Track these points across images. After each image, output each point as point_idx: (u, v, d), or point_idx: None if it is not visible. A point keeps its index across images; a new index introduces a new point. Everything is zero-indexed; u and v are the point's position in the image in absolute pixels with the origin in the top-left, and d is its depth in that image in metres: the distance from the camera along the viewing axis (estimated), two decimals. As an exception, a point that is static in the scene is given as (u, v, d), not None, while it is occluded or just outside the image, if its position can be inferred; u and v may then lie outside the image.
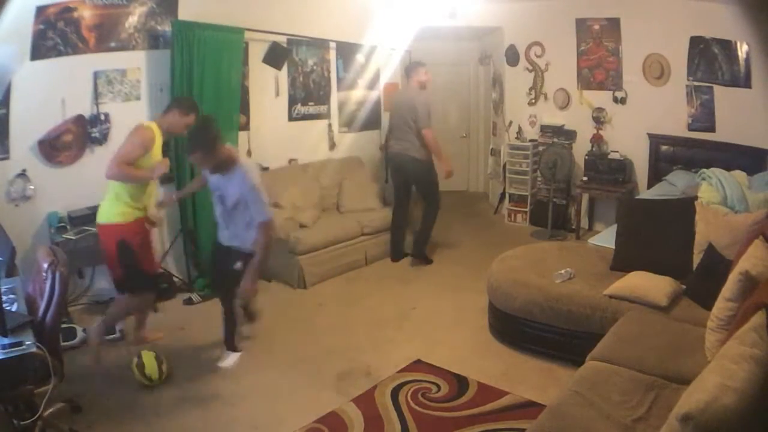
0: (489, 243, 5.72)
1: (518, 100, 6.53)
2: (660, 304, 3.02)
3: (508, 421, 2.84)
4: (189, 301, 4.41)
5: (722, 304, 2.40)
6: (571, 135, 6.12)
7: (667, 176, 5.13)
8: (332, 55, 6.02)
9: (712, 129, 5.14)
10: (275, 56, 5.36)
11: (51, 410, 2.68)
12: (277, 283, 4.82)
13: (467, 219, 6.81)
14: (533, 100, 6.43)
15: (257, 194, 3.11)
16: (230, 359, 3.43)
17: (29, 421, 2.41)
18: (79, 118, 4.12)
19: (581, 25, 5.86)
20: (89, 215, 4.04)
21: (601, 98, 5.88)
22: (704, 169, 4.34)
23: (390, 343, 3.77)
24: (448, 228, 6.11)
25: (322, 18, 5.72)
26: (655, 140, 5.53)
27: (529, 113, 6.47)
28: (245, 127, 5.18)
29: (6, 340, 2.27)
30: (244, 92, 5.11)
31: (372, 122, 6.54)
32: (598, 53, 5.82)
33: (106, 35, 4.18)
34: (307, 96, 5.81)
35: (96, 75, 4.17)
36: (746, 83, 4.80)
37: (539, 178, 6.31)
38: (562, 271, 3.49)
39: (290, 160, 5.69)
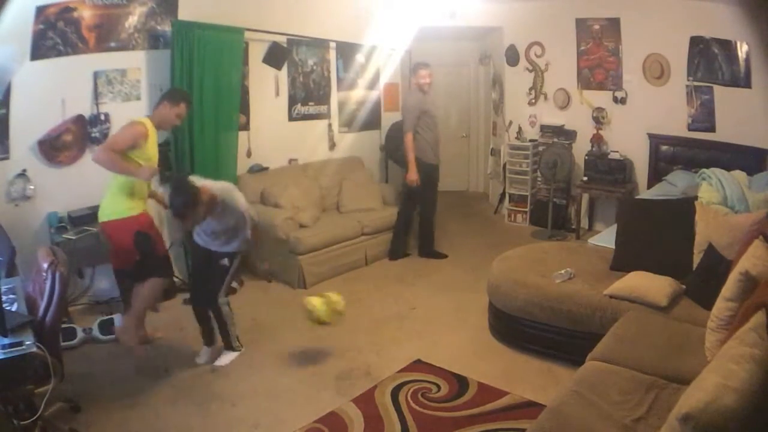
0: (489, 243, 5.72)
1: (518, 100, 6.53)
2: (660, 304, 3.01)
3: (508, 421, 2.84)
4: (189, 301, 4.40)
5: (722, 304, 2.40)
6: (571, 135, 6.12)
7: (667, 176, 5.14)
8: (332, 55, 6.02)
9: (712, 129, 5.14)
10: (275, 56, 5.36)
11: (51, 410, 2.68)
12: (277, 283, 4.82)
13: (467, 219, 6.81)
14: (533, 100, 6.43)
15: (248, 215, 3.31)
16: (226, 357, 3.49)
17: (29, 421, 2.41)
18: (79, 118, 4.12)
19: (581, 25, 5.86)
20: (89, 215, 4.04)
21: (601, 98, 5.88)
22: (704, 169, 4.35)
23: (390, 343, 3.77)
24: (448, 228, 6.11)
25: (322, 18, 5.73)
26: (655, 140, 5.53)
27: (529, 113, 6.47)
28: (245, 127, 5.18)
29: (6, 340, 2.27)
30: (244, 92, 5.11)
31: (372, 122, 6.54)
32: (598, 53, 5.82)
33: (106, 35, 4.18)
34: (307, 96, 5.81)
35: (96, 75, 4.17)
36: (746, 83, 4.81)
37: (539, 178, 6.31)
38: (562, 271, 3.49)
39: (290, 160, 5.69)
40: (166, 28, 4.45)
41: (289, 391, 3.21)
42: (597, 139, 5.91)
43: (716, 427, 1.45)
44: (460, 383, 3.22)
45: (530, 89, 6.42)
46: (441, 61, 6.93)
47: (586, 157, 5.83)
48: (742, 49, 4.77)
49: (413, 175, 5.12)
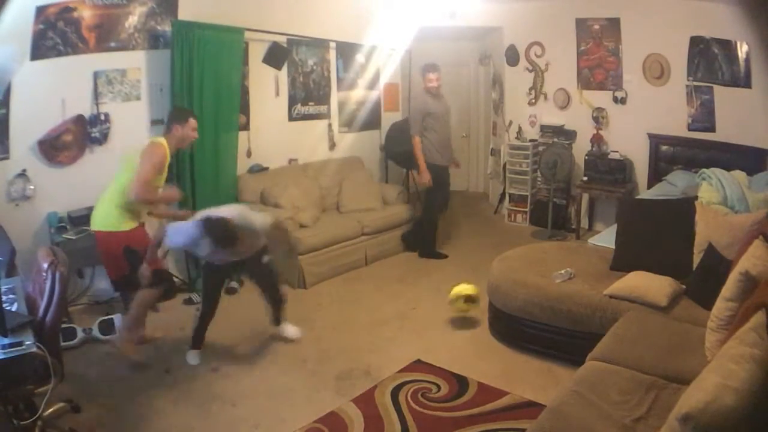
0: (489, 243, 5.72)
1: (518, 100, 6.53)
2: (660, 304, 3.01)
3: (508, 421, 2.84)
4: (189, 301, 4.41)
5: (722, 304, 2.40)
6: (571, 135, 6.12)
7: (667, 176, 5.14)
8: (332, 55, 6.02)
9: (712, 129, 5.14)
10: (275, 56, 5.36)
11: (51, 410, 2.68)
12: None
13: (467, 219, 6.80)
14: (533, 100, 6.43)
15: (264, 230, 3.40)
16: (293, 329, 3.75)
17: (29, 421, 2.41)
18: (79, 118, 4.12)
19: (581, 25, 5.86)
20: (89, 215, 4.02)
21: (601, 98, 5.88)
22: (704, 169, 4.35)
23: (390, 343, 3.77)
24: (448, 228, 6.11)
25: (322, 18, 5.73)
26: (655, 140, 5.53)
27: (529, 113, 6.47)
28: (245, 127, 5.18)
29: (6, 340, 2.27)
30: (244, 92, 5.11)
31: (372, 122, 6.54)
32: (598, 53, 5.82)
33: (106, 35, 4.18)
34: (307, 96, 5.81)
35: (96, 75, 4.17)
36: (746, 83, 4.81)
37: (539, 178, 6.31)
38: (562, 271, 3.49)
39: (290, 160, 5.69)
40: (166, 28, 4.45)
41: (289, 391, 3.21)
42: (597, 139, 5.91)
43: (716, 427, 1.45)
44: (460, 383, 3.22)
45: (530, 89, 6.42)
46: (441, 61, 6.85)
47: (586, 157, 5.83)
48: (742, 49, 4.77)
49: (424, 177, 5.16)
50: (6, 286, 2.80)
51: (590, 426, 2.07)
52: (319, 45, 5.82)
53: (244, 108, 5.13)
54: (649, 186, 5.42)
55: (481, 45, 7.72)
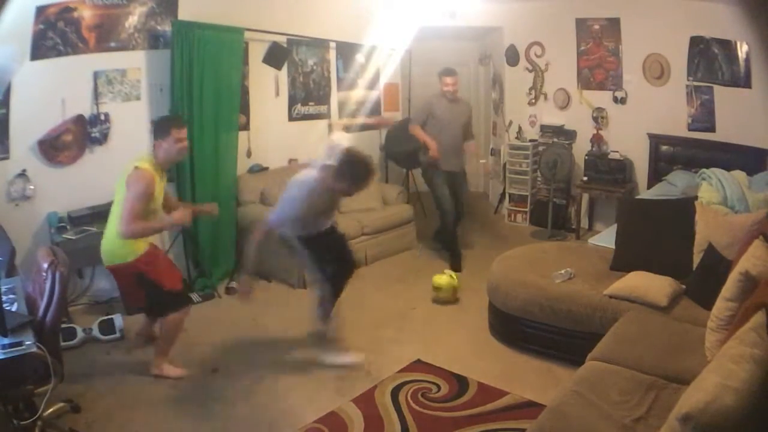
0: (489, 243, 5.72)
1: (518, 100, 6.53)
2: (660, 304, 3.02)
3: (508, 421, 2.84)
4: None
5: (722, 304, 2.40)
6: (571, 135, 6.12)
7: (667, 176, 5.13)
8: (332, 55, 6.02)
9: (712, 129, 5.14)
10: (275, 56, 5.36)
11: (51, 410, 2.69)
12: (277, 283, 4.82)
13: (467, 219, 6.79)
14: (533, 100, 6.43)
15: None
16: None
17: (29, 421, 2.41)
18: (79, 118, 4.12)
19: (581, 25, 5.86)
20: (89, 215, 4.04)
21: (601, 98, 5.88)
22: (704, 169, 4.35)
23: (390, 343, 3.77)
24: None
25: (322, 18, 5.72)
26: (655, 140, 5.53)
27: (529, 113, 6.46)
28: (245, 127, 5.18)
29: (6, 340, 2.27)
30: (244, 92, 5.11)
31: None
32: (598, 53, 5.82)
33: (106, 35, 4.17)
34: (307, 96, 5.81)
35: (96, 75, 4.17)
36: (746, 83, 4.80)
37: (539, 178, 6.31)
38: (562, 271, 3.49)
39: (290, 160, 5.69)
40: (166, 28, 4.45)
41: (289, 391, 3.21)
42: (597, 139, 5.91)
43: (716, 427, 1.45)
44: (460, 383, 3.22)
45: (530, 89, 6.42)
46: (441, 61, 6.90)
47: (586, 157, 5.83)
48: (742, 49, 4.77)
49: (434, 151, 4.92)
50: (6, 286, 2.79)
51: (590, 426, 2.07)
52: (319, 45, 5.82)
53: (244, 108, 5.13)
54: (649, 186, 5.42)
55: (481, 45, 7.71)
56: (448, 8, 6.23)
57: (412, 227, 5.71)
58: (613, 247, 3.71)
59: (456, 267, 5.01)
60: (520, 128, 6.51)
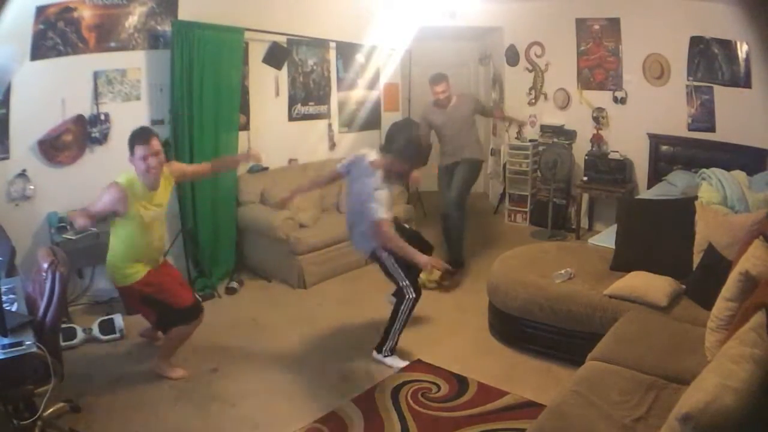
0: (489, 243, 5.72)
1: (518, 100, 6.53)
2: (660, 304, 3.02)
3: (508, 421, 2.84)
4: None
5: (722, 304, 2.40)
6: (571, 135, 6.12)
7: (667, 176, 5.13)
8: (332, 55, 6.01)
9: (712, 129, 5.14)
10: (275, 56, 5.35)
11: (51, 410, 2.68)
12: (277, 283, 4.82)
13: (467, 219, 6.78)
14: (533, 100, 6.43)
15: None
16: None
17: (29, 421, 2.41)
18: (79, 118, 4.12)
19: (581, 25, 5.86)
20: (89, 215, 4.04)
21: (601, 98, 5.88)
22: (704, 169, 4.34)
23: (390, 343, 3.76)
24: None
25: (322, 18, 5.72)
26: (655, 140, 5.53)
27: (529, 113, 6.47)
28: (245, 127, 5.18)
29: (6, 340, 2.27)
30: (244, 92, 5.11)
31: (372, 122, 6.54)
32: (598, 53, 5.82)
33: (106, 35, 4.18)
34: (307, 96, 5.81)
35: (96, 75, 4.17)
36: (746, 83, 4.80)
37: (539, 178, 6.31)
38: (562, 271, 3.49)
39: (290, 160, 5.69)
40: (166, 28, 4.45)
41: (289, 391, 3.21)
42: (597, 139, 5.91)
43: (716, 427, 1.45)
44: (460, 383, 3.22)
45: (530, 89, 6.42)
46: (441, 61, 6.92)
47: (586, 157, 5.83)
48: (742, 49, 4.77)
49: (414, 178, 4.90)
50: (6, 286, 2.80)
51: (590, 426, 2.07)
52: (319, 45, 5.82)
53: (244, 108, 5.13)
54: (649, 186, 5.42)
55: (481, 45, 7.72)
56: (448, 8, 6.23)
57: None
58: (613, 247, 3.71)
59: (451, 262, 4.77)
60: (520, 128, 6.51)
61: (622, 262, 3.52)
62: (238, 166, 4.54)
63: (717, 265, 2.93)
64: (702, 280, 3.05)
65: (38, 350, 2.27)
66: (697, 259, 3.24)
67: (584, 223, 6.10)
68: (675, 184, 4.81)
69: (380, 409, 2.99)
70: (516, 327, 3.56)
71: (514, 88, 6.57)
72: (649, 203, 4.05)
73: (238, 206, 5.02)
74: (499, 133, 7.10)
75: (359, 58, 6.24)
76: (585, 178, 5.80)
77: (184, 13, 4.54)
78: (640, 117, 5.57)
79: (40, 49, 3.86)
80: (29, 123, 3.88)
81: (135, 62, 4.37)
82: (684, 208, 3.52)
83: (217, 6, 4.74)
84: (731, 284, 2.38)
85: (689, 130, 5.29)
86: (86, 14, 4.05)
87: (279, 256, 4.78)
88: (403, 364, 3.46)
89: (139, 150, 3.00)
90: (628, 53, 5.60)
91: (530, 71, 6.38)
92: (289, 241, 4.66)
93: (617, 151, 5.68)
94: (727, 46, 4.86)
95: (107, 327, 3.77)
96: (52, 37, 3.90)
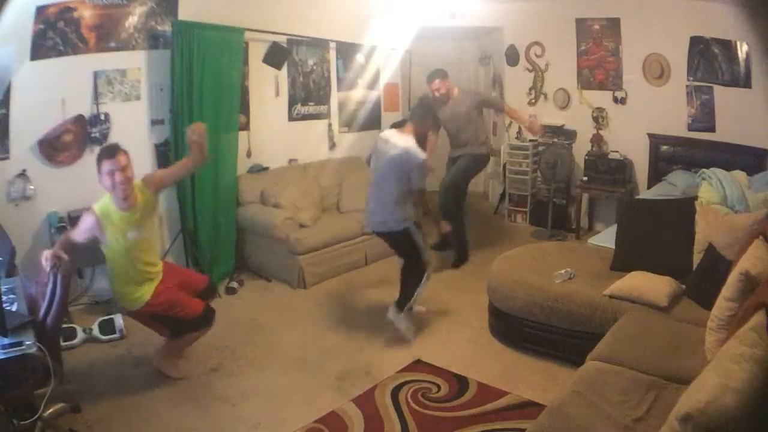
0: (489, 243, 5.72)
1: (518, 100, 6.51)
2: (660, 304, 3.02)
3: (508, 421, 2.84)
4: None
5: (722, 304, 2.40)
6: (571, 135, 6.12)
7: (667, 176, 5.13)
8: (332, 55, 6.01)
9: (712, 129, 5.14)
10: (275, 56, 5.36)
11: (51, 410, 2.68)
12: (277, 283, 4.82)
13: (467, 219, 6.79)
14: (533, 100, 6.43)
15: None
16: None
17: (29, 421, 2.41)
18: (79, 118, 4.12)
19: (581, 25, 5.86)
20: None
21: (601, 98, 5.88)
22: (704, 169, 4.35)
23: (390, 342, 3.76)
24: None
25: (322, 18, 5.73)
26: (655, 140, 5.53)
27: (529, 113, 6.46)
28: (245, 127, 5.18)
29: (6, 340, 2.27)
30: (244, 92, 5.11)
31: (372, 122, 6.54)
32: (598, 53, 5.81)
33: (106, 35, 4.18)
34: (307, 96, 5.81)
35: (96, 75, 4.17)
36: (746, 83, 4.81)
37: (539, 178, 6.31)
38: (562, 271, 3.49)
39: (290, 160, 5.69)
40: (166, 28, 4.45)
41: (289, 391, 3.21)
42: (597, 139, 5.91)
43: (716, 427, 1.45)
44: (460, 383, 3.22)
45: (530, 89, 6.42)
46: (441, 61, 6.92)
47: (586, 157, 5.83)
48: (742, 49, 4.77)
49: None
50: (6, 286, 2.80)
51: (590, 426, 2.07)
52: (319, 45, 5.82)
53: (244, 108, 5.13)
54: (649, 186, 5.42)
55: (481, 45, 7.71)
56: (448, 8, 6.23)
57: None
58: (613, 247, 3.71)
59: (440, 248, 4.78)
60: (520, 128, 6.51)
61: (622, 262, 3.52)
62: (203, 146, 3.50)
63: (717, 265, 2.93)
64: (702, 280, 3.05)
65: (38, 351, 2.27)
66: (697, 259, 3.24)
67: (584, 223, 6.10)
68: (675, 184, 4.81)
69: (380, 409, 2.99)
70: (516, 327, 3.56)
71: (514, 88, 6.57)
72: (649, 203, 4.05)
73: (238, 206, 5.02)
74: (499, 133, 7.09)
75: (359, 58, 6.24)
76: (585, 178, 5.79)
77: (184, 13, 4.54)
78: (640, 117, 5.57)
79: (40, 49, 3.86)
80: (29, 123, 3.88)
81: (135, 62, 4.38)
82: (684, 208, 3.51)
83: (217, 6, 4.74)
84: (731, 284, 2.37)
85: (689, 130, 5.29)
86: (86, 14, 4.05)
87: (279, 256, 4.78)
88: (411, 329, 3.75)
89: (106, 165, 2.92)
90: (628, 53, 5.60)
91: (530, 71, 6.38)
92: (289, 241, 4.66)
93: (617, 151, 5.68)
94: (727, 46, 4.86)
95: (107, 327, 3.77)
96: (52, 37, 3.90)
